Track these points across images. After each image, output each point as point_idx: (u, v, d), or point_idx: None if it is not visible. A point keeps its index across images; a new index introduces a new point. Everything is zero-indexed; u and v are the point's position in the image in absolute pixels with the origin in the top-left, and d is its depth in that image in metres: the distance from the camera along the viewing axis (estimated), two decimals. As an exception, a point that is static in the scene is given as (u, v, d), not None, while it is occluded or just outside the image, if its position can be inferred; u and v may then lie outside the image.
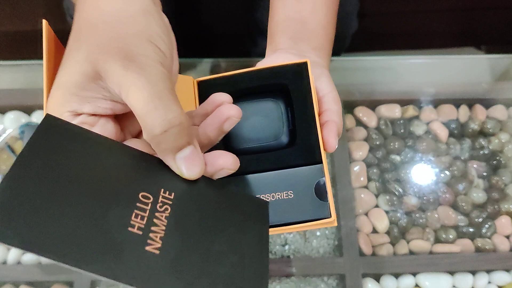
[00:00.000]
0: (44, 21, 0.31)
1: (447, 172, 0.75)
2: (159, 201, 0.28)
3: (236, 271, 0.28)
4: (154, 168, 0.29)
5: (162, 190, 0.28)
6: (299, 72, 0.41)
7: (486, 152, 0.76)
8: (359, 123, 0.78)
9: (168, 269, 0.25)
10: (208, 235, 0.28)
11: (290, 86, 0.40)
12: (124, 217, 0.26)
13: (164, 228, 0.27)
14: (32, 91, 0.76)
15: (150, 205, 0.27)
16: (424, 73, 0.81)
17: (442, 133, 0.76)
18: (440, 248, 0.71)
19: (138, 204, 0.27)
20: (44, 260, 0.68)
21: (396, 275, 0.70)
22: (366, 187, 0.74)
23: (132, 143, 0.30)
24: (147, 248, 0.25)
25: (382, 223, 0.71)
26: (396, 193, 0.73)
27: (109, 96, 0.28)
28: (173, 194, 0.28)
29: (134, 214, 0.26)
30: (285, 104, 0.41)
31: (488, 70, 0.81)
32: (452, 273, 0.70)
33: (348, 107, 0.78)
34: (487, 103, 0.79)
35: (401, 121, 0.77)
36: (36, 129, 0.26)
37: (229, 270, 0.27)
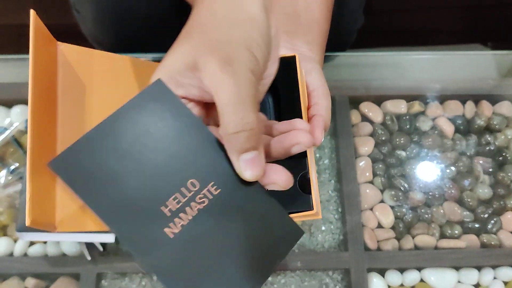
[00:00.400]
0: (32, 12, 0.32)
1: (452, 168, 0.75)
2: (202, 192, 0.29)
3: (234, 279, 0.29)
4: (218, 160, 0.31)
5: (212, 183, 0.30)
6: (287, 66, 0.41)
7: (492, 148, 0.76)
8: (364, 118, 0.78)
9: (169, 254, 0.27)
10: (227, 240, 0.29)
11: (277, 79, 0.40)
12: (164, 195, 0.28)
13: (190, 218, 0.28)
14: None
15: (192, 193, 0.29)
16: (430, 69, 0.81)
17: (448, 129, 0.76)
18: (445, 243, 0.70)
19: (182, 189, 0.29)
20: (50, 252, 0.69)
21: (401, 270, 0.70)
22: (371, 182, 0.74)
23: (212, 129, 0.33)
24: (166, 229, 0.27)
25: (388, 218, 0.71)
26: (402, 188, 0.73)
27: (201, 86, 0.32)
28: (219, 191, 0.30)
29: (173, 197, 0.28)
30: (272, 97, 0.42)
31: (494, 66, 0.81)
32: (457, 268, 0.70)
33: (354, 102, 0.78)
34: (494, 99, 0.79)
35: (407, 117, 0.77)
36: (145, 89, 0.30)
37: (229, 278, 0.29)
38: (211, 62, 0.30)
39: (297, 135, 0.33)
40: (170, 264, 0.27)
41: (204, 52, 0.31)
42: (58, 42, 0.47)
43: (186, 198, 0.29)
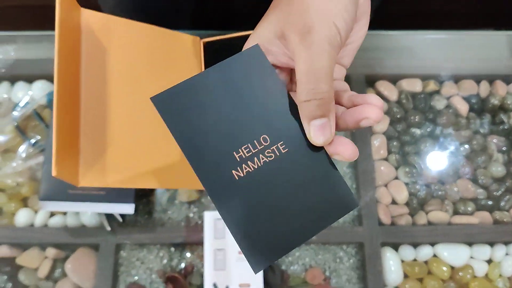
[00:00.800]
0: None
1: (466, 146, 0.75)
2: (271, 148, 0.33)
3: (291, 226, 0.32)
4: (291, 123, 0.34)
5: (281, 142, 0.33)
6: None
7: (506, 127, 0.76)
8: (380, 96, 0.78)
9: (231, 193, 0.31)
10: (285, 194, 0.32)
11: None
12: (239, 143, 0.32)
13: (256, 167, 0.32)
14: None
15: (262, 146, 0.33)
16: (445, 49, 0.81)
17: (463, 107, 0.77)
18: (458, 219, 0.71)
19: (254, 141, 0.33)
20: (70, 223, 0.70)
21: (415, 245, 0.71)
22: (386, 159, 0.75)
23: (293, 95, 0.35)
24: (233, 171, 0.32)
25: (402, 195, 0.72)
26: (416, 165, 0.74)
27: (287, 54, 0.34)
28: (286, 150, 0.33)
29: (245, 146, 0.32)
30: None
31: (509, 46, 0.81)
32: (470, 244, 0.71)
33: (370, 81, 0.79)
34: (508, 79, 0.79)
35: (422, 96, 0.78)
36: (243, 51, 0.34)
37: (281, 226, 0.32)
38: (293, 33, 0.32)
39: (368, 109, 0.33)
40: (231, 200, 0.31)
41: (289, 22, 0.33)
42: (82, 9, 0.49)
43: (256, 150, 0.32)
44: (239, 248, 0.32)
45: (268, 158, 0.32)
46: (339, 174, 0.34)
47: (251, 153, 0.32)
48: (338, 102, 0.36)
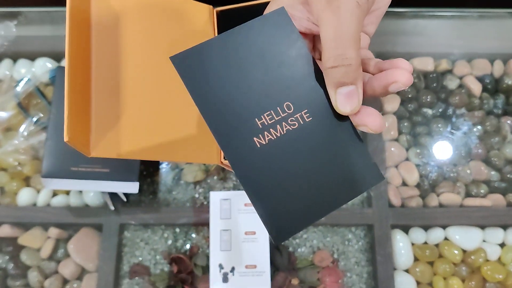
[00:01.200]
0: None
1: (479, 127, 0.73)
2: (294, 116, 0.31)
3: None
4: (316, 91, 0.32)
5: (305, 111, 0.31)
6: None
7: (520, 108, 0.74)
8: (390, 76, 0.76)
9: (253, 162, 0.30)
10: (307, 164, 0.31)
11: None
12: (261, 109, 0.31)
13: (278, 135, 0.31)
14: (61, 38, 0.76)
15: (285, 114, 0.31)
16: (458, 27, 0.79)
17: (476, 87, 0.75)
18: (471, 202, 0.69)
19: (277, 108, 0.31)
20: (73, 202, 0.69)
21: (425, 228, 0.69)
22: (396, 140, 0.73)
23: (318, 63, 0.34)
24: (255, 138, 0.30)
25: (412, 176, 0.70)
26: (427, 146, 0.72)
27: (311, 19, 0.33)
28: (310, 119, 0.31)
29: (268, 112, 0.31)
30: None
31: (524, 26, 0.79)
32: (482, 227, 0.69)
33: (381, 59, 0.76)
34: (523, 59, 0.77)
35: (434, 75, 0.75)
36: (267, 13, 0.32)
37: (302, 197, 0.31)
38: None
39: (397, 73, 0.31)
40: (252, 170, 0.30)
41: None
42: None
43: (279, 117, 0.31)
44: (260, 219, 0.30)
45: (292, 127, 0.31)
46: (364, 146, 0.32)
47: (273, 120, 0.31)
48: (364, 70, 0.35)
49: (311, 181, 0.31)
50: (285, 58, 0.32)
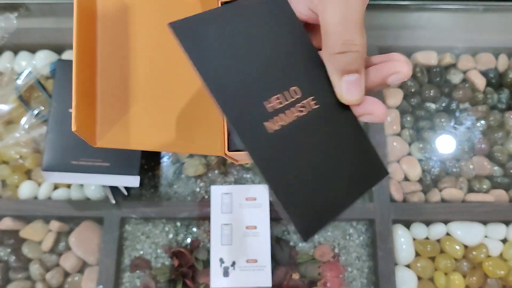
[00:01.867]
0: None
1: (483, 122, 0.73)
2: (302, 102, 0.30)
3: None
4: (320, 78, 0.31)
5: (312, 97, 0.30)
6: None
7: (524, 103, 0.74)
8: (393, 70, 0.75)
9: (267, 147, 0.28)
10: (317, 154, 0.30)
11: None
12: (268, 92, 0.29)
13: (288, 121, 0.29)
14: (62, 30, 0.76)
15: (293, 99, 0.30)
16: (462, 21, 0.78)
17: (480, 82, 0.74)
18: (473, 197, 0.69)
19: (285, 92, 0.30)
20: (74, 196, 0.69)
21: (427, 223, 0.69)
22: (399, 134, 0.72)
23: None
24: (265, 123, 0.28)
25: (415, 171, 0.70)
26: (430, 141, 0.71)
27: (309, 4, 0.31)
28: (317, 106, 0.30)
29: (276, 96, 0.29)
30: None
31: (530, 19, 0.78)
32: (485, 223, 0.69)
33: (384, 52, 0.75)
34: (528, 53, 0.76)
35: (437, 69, 0.75)
36: None
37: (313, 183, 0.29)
38: None
39: (397, 64, 0.31)
40: (268, 154, 0.28)
41: None
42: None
43: (287, 102, 0.30)
44: (284, 213, 0.28)
45: (301, 113, 0.30)
46: (367, 139, 0.31)
47: (282, 105, 0.29)
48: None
49: (325, 174, 0.30)
50: (286, 42, 0.31)
